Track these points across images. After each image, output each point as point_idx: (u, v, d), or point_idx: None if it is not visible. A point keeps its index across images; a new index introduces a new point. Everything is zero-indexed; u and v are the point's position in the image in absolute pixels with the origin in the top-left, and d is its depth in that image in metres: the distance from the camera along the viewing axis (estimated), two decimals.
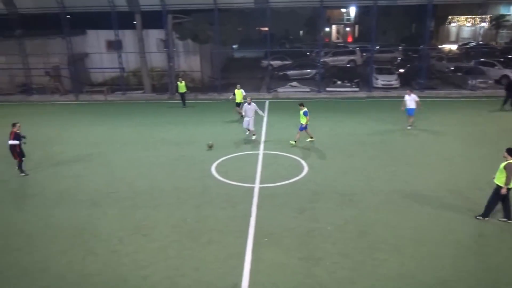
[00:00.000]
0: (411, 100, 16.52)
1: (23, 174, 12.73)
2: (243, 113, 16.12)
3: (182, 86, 21.90)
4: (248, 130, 16.21)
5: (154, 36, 27.33)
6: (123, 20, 24.94)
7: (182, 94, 22.07)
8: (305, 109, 14.80)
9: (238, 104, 18.59)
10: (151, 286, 7.40)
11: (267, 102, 23.20)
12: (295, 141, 15.13)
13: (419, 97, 17.04)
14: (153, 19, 25.10)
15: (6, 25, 25.25)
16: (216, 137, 16.08)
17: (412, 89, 17.43)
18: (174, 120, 19.15)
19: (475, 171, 12.29)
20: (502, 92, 20.79)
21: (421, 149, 14.54)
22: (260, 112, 16.07)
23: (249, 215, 9.91)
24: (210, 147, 14.71)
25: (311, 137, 15.46)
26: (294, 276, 7.64)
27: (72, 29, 25.65)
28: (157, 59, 27.20)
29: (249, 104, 15.82)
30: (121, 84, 26.14)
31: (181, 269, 7.87)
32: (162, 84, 26.51)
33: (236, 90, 18.75)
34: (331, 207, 10.28)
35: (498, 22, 38.52)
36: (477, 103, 21.81)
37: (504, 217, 9.29)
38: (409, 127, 16.84)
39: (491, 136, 15.68)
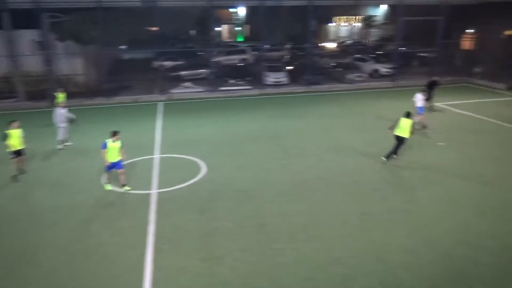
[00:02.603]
0: None
1: None
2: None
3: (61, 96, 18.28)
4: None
5: (27, 37, 24.41)
6: None
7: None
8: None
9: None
10: None
11: (161, 104, 22.55)
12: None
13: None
14: (25, 18, 22.39)
15: None
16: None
17: None
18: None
19: (360, 155, 13.70)
20: (375, 85, 25.05)
21: (312, 141, 15.57)
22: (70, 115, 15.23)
23: (147, 223, 9.55)
24: None
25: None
26: (197, 278, 7.59)
27: None
28: (32, 63, 24.34)
29: (62, 109, 14.86)
30: None
31: None
32: (40, 91, 23.80)
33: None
34: (230, 205, 10.43)
35: (368, 22, 43.15)
36: (356, 95, 24.25)
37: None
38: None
39: (370, 123, 17.61)
